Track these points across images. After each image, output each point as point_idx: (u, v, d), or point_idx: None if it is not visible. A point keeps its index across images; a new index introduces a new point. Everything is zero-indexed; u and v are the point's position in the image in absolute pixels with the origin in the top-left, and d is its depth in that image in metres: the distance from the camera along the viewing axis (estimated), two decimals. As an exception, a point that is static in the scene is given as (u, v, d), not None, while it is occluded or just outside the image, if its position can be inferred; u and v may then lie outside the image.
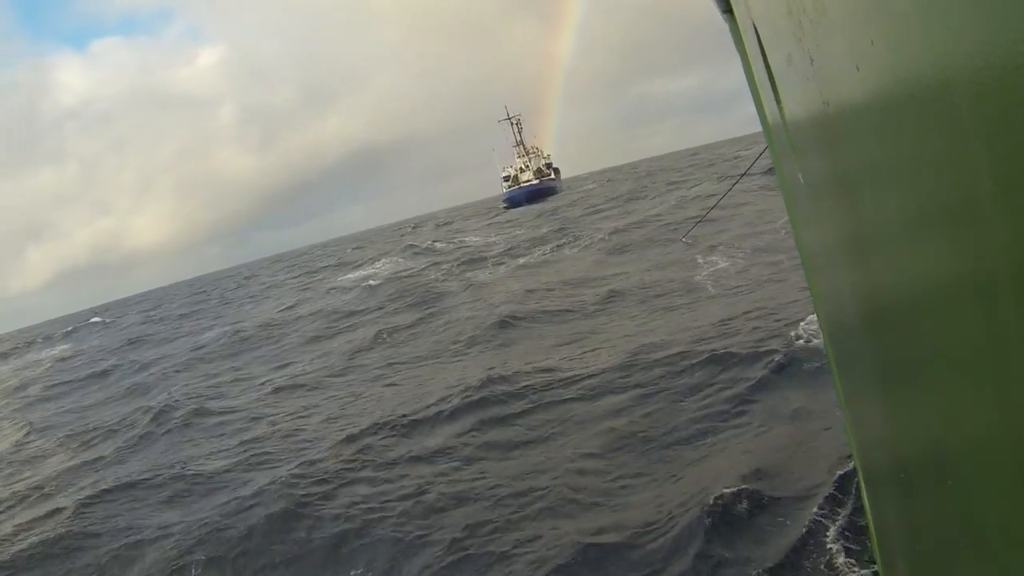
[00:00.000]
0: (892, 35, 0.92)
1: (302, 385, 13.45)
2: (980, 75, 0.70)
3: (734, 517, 6.08)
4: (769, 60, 2.44)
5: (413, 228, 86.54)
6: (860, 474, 3.52)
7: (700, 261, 15.84)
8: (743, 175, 10.92)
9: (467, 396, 9.73)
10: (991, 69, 0.68)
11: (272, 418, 11.41)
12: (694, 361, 9.10)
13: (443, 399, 9.95)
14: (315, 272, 47.90)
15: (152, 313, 52.10)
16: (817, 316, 3.84)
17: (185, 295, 60.02)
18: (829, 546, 5.41)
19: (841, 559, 5.21)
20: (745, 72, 3.91)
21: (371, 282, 28.01)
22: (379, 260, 40.54)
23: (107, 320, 57.72)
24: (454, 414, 9.33)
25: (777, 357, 8.54)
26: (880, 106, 1.07)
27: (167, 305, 57.11)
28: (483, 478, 7.35)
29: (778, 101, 2.52)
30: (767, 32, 2.30)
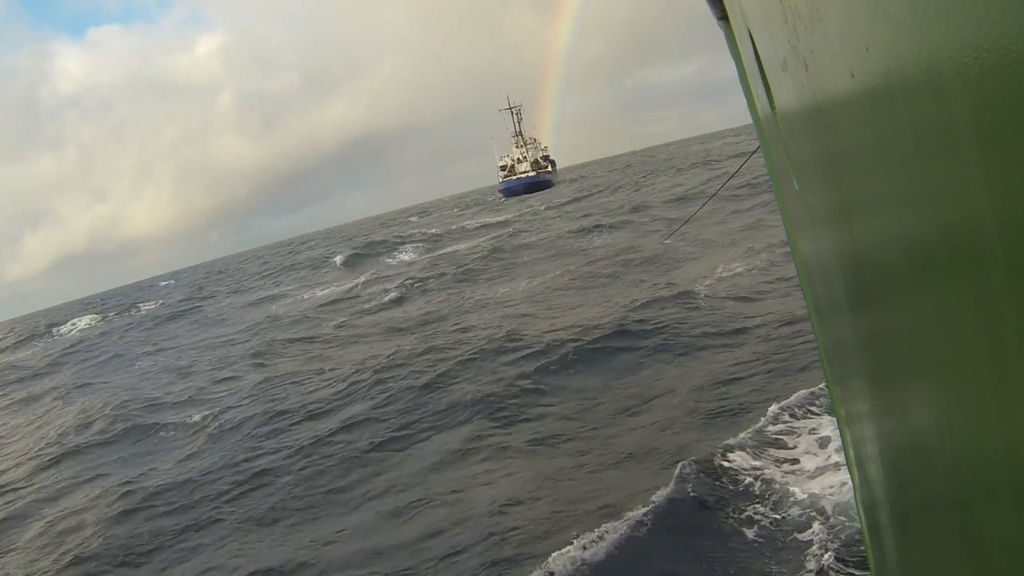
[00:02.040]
0: (887, 42, 0.92)
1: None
2: (976, 82, 0.70)
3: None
4: (764, 67, 2.44)
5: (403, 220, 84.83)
6: (857, 498, 3.52)
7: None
8: (727, 180, 10.90)
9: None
10: (987, 76, 0.67)
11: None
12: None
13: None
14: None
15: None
16: (811, 323, 3.85)
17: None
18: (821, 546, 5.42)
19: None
20: (740, 78, 3.92)
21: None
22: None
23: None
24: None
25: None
26: (875, 113, 1.07)
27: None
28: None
29: (773, 108, 2.52)
30: (762, 39, 2.30)
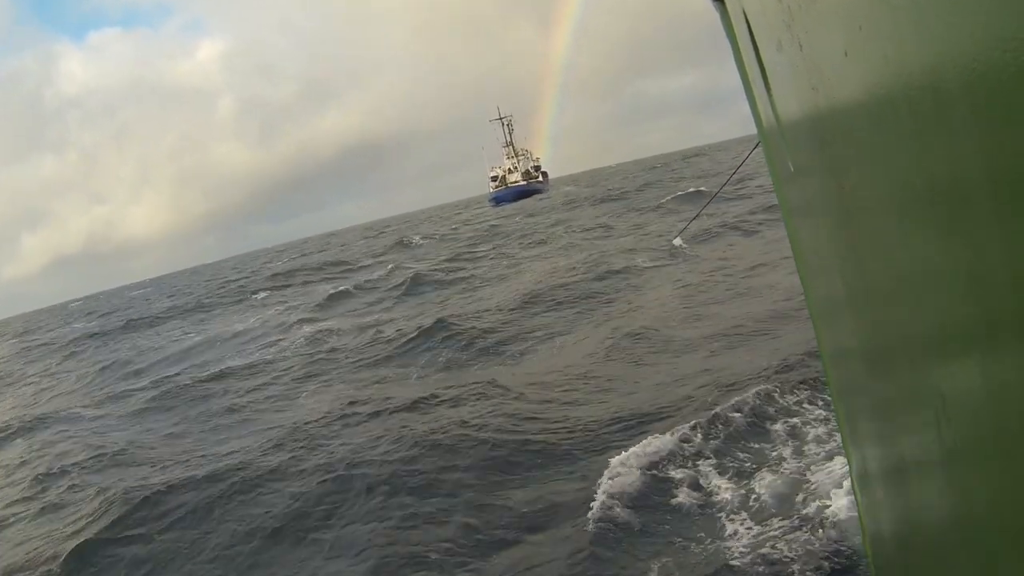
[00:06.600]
0: (880, 20, 0.93)
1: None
2: (968, 59, 0.70)
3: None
4: (759, 48, 2.44)
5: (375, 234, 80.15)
6: (854, 486, 3.54)
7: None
8: (733, 173, 10.87)
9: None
10: (979, 53, 0.68)
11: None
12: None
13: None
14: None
15: None
16: (807, 304, 3.85)
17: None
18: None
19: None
20: (736, 62, 3.90)
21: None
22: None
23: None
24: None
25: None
26: (868, 91, 1.07)
27: None
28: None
29: (768, 89, 2.52)
30: (757, 20, 2.30)
